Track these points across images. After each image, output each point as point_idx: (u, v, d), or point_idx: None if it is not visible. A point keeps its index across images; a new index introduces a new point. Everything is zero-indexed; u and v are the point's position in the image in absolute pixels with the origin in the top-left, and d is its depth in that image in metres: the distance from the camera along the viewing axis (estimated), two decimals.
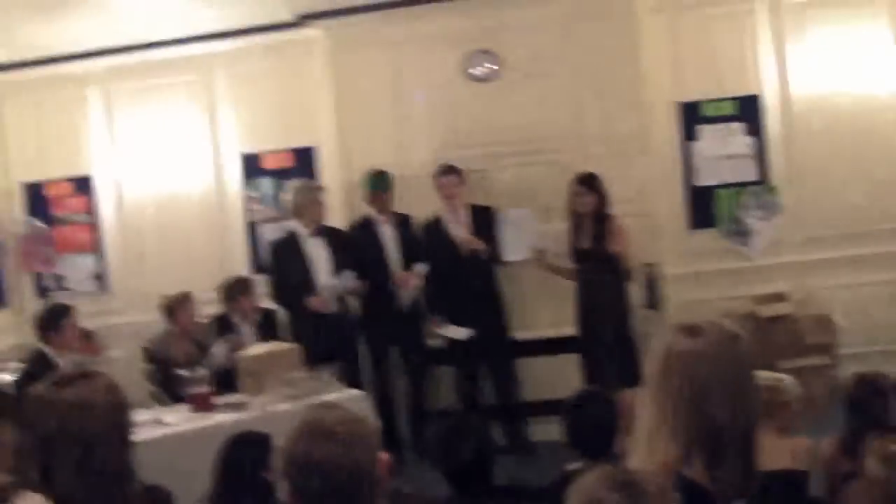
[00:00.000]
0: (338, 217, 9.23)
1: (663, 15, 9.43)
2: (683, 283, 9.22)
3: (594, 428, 4.54)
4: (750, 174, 9.36)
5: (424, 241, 8.94)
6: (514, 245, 8.49)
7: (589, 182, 8.20)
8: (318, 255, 8.56)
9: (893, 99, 9.25)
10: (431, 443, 4.56)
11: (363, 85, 9.39)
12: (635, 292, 8.46)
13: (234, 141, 9.84)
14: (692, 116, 9.39)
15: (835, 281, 9.13)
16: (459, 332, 8.60)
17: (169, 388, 7.82)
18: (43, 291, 9.99)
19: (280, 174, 9.67)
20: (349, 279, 8.42)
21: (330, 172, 9.56)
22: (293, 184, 8.86)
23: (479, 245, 8.62)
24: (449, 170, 8.80)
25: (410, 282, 8.68)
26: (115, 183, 9.96)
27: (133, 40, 9.66)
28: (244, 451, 4.95)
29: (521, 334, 8.95)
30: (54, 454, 2.87)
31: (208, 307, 8.63)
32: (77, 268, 10.02)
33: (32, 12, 9.48)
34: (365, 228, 8.90)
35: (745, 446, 2.76)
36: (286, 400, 6.86)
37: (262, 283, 8.80)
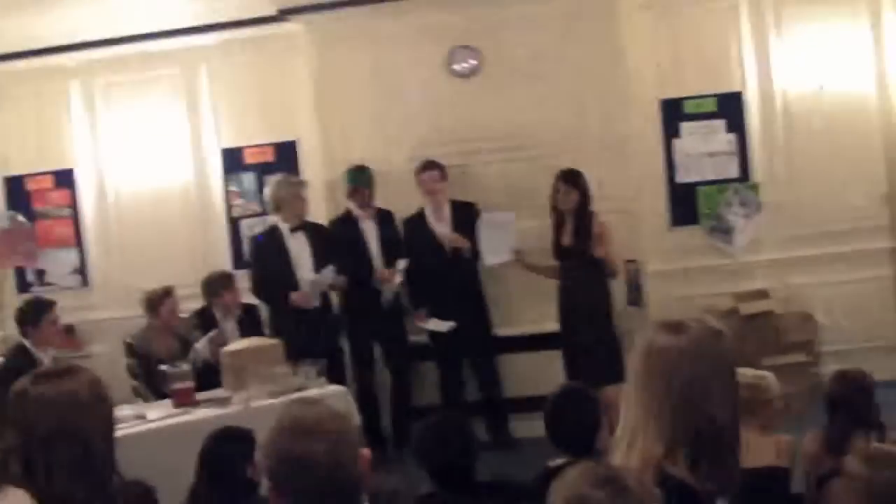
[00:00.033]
0: (320, 212, 9.22)
1: (646, 13, 9.46)
2: (666, 280, 9.24)
3: (576, 424, 4.54)
4: (732, 171, 9.39)
5: (406, 236, 8.94)
6: (494, 249, 8.51)
7: (572, 179, 8.20)
8: (300, 250, 8.55)
9: (874, 95, 9.29)
10: (415, 439, 4.55)
11: (345, 80, 9.37)
12: (618, 289, 8.47)
13: (216, 135, 9.82)
14: (674, 113, 9.42)
15: (816, 278, 9.17)
16: (442, 325, 8.60)
17: (151, 384, 7.80)
18: (25, 286, 9.94)
19: (262, 169, 9.65)
20: (331, 274, 8.40)
21: (312, 167, 9.54)
22: (274, 179, 8.84)
23: (463, 243, 8.63)
24: (431, 165, 8.80)
25: (392, 278, 8.67)
26: (97, 177, 9.93)
27: (115, 33, 9.62)
28: (226, 447, 4.94)
29: (503, 330, 8.95)
30: (37, 449, 2.87)
31: (190, 302, 8.61)
32: (58, 262, 9.98)
33: (14, 4, 9.45)
34: (346, 224, 8.89)
35: (728, 443, 2.77)
36: (269, 396, 6.85)
37: (244, 279, 8.77)
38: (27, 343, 7.58)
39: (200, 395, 7.14)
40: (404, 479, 4.51)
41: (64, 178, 9.94)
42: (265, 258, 8.60)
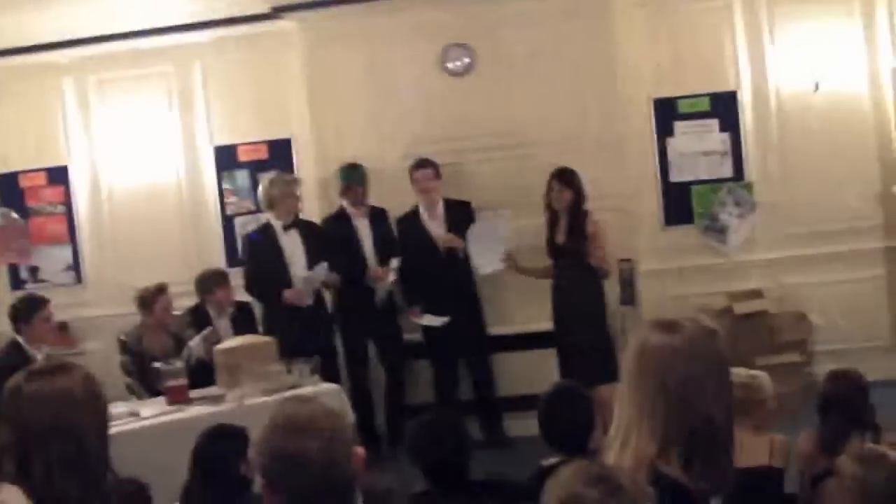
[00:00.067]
0: (313, 210, 9.22)
1: (640, 11, 9.46)
2: (659, 280, 9.25)
3: (570, 423, 4.54)
4: (726, 171, 9.40)
5: (400, 235, 8.95)
6: (485, 258, 8.54)
7: (566, 178, 8.22)
8: (294, 248, 8.54)
9: (867, 95, 9.30)
10: (408, 437, 4.55)
11: (339, 78, 9.36)
12: (611, 288, 8.48)
13: (210, 132, 9.80)
14: (668, 113, 9.42)
15: (810, 278, 9.17)
16: (436, 320, 8.60)
17: (145, 381, 7.79)
18: (18, 283, 9.93)
19: (255, 166, 9.64)
20: (323, 272, 8.40)
21: (305, 165, 9.53)
22: (268, 176, 8.83)
23: (458, 243, 8.63)
24: (424, 164, 8.80)
25: (385, 277, 8.67)
26: (91, 174, 9.91)
27: (109, 30, 9.60)
28: (220, 445, 4.94)
29: (497, 329, 8.96)
30: (31, 447, 2.86)
31: (184, 300, 8.61)
32: (52, 259, 9.96)
33: (8, 1, 9.44)
34: (340, 222, 8.88)
35: (722, 443, 2.77)
36: (262, 393, 6.85)
37: (238, 276, 8.76)
38: (20, 340, 7.58)
39: (194, 393, 7.14)
40: (398, 477, 4.50)
41: (57, 175, 9.92)
42: (258, 256, 8.60)
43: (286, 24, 9.44)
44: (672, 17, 9.45)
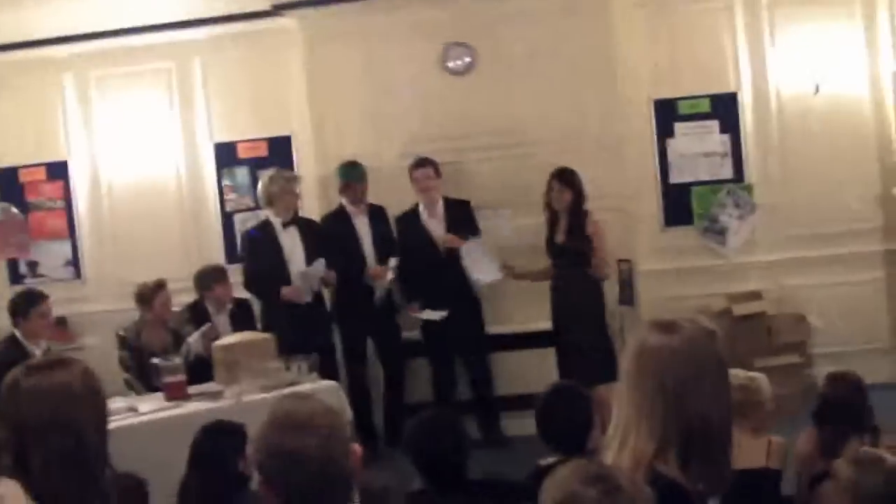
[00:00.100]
0: (313, 208, 9.23)
1: (641, 11, 9.46)
2: (658, 280, 9.25)
3: (568, 423, 4.54)
4: (726, 172, 9.40)
5: (399, 233, 8.95)
6: (482, 271, 8.54)
7: (566, 178, 8.23)
8: (292, 245, 8.54)
9: (868, 98, 9.30)
10: (406, 435, 4.55)
11: (338, 76, 9.37)
12: (610, 288, 8.48)
13: (210, 129, 9.80)
14: (668, 114, 9.42)
15: (810, 280, 9.17)
16: (436, 314, 8.60)
17: (143, 376, 7.79)
18: (17, 278, 9.92)
19: (255, 163, 9.64)
20: (321, 268, 8.39)
21: (305, 163, 9.53)
22: (267, 173, 8.83)
23: (459, 243, 8.63)
24: (424, 163, 8.80)
25: (384, 275, 8.67)
26: (91, 169, 9.90)
27: (109, 26, 9.59)
28: (218, 441, 4.95)
29: (496, 328, 8.96)
30: (29, 441, 2.86)
31: (183, 296, 8.61)
32: (51, 254, 9.95)
33: None
34: (339, 219, 8.88)
35: (720, 443, 2.78)
36: (261, 390, 6.85)
37: (237, 273, 8.76)
38: (18, 335, 7.59)
39: (192, 389, 7.14)
40: (395, 475, 4.51)
41: (57, 171, 9.91)
42: (257, 252, 8.59)
43: (286, 21, 9.44)
44: (672, 17, 9.45)
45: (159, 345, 7.99)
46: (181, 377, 7.11)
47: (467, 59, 9.28)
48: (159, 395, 7.14)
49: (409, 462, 4.45)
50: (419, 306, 8.73)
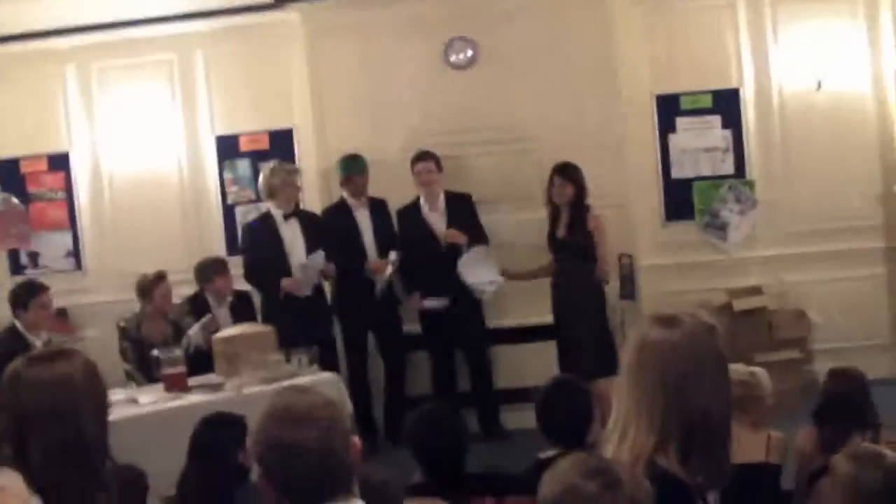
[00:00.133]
0: (314, 201, 9.24)
1: (643, 7, 9.45)
2: (659, 275, 9.26)
3: (568, 416, 4.54)
4: (727, 168, 9.39)
5: (400, 227, 8.95)
6: (483, 281, 8.54)
7: (567, 172, 8.23)
8: (293, 237, 8.54)
9: (870, 95, 9.30)
10: (407, 428, 4.56)
11: (340, 69, 9.36)
12: (611, 283, 8.49)
13: (211, 122, 9.79)
14: (670, 109, 9.41)
15: (810, 276, 9.18)
16: (438, 302, 8.62)
17: (144, 368, 7.80)
18: (18, 269, 9.92)
19: (256, 156, 9.64)
20: (321, 260, 8.38)
21: (306, 156, 9.53)
22: (268, 165, 8.81)
23: (460, 239, 8.63)
24: (426, 156, 8.79)
25: (384, 269, 8.66)
26: (92, 160, 9.89)
27: (112, 18, 9.59)
28: (218, 433, 4.94)
29: (496, 322, 8.95)
30: (30, 432, 2.86)
31: (184, 288, 8.61)
32: (52, 245, 9.95)
33: None
34: (340, 212, 8.88)
35: (719, 438, 2.78)
36: (261, 382, 6.85)
37: (238, 265, 8.76)
38: (19, 326, 7.60)
39: (192, 381, 7.15)
40: (395, 469, 4.51)
41: (58, 162, 9.91)
42: (258, 244, 8.59)
43: (288, 14, 9.44)
44: (675, 13, 9.45)
45: (160, 336, 8.00)
46: (181, 369, 7.11)
47: (469, 54, 9.28)
48: (159, 386, 7.15)
49: (409, 456, 4.45)
50: (420, 296, 8.73)
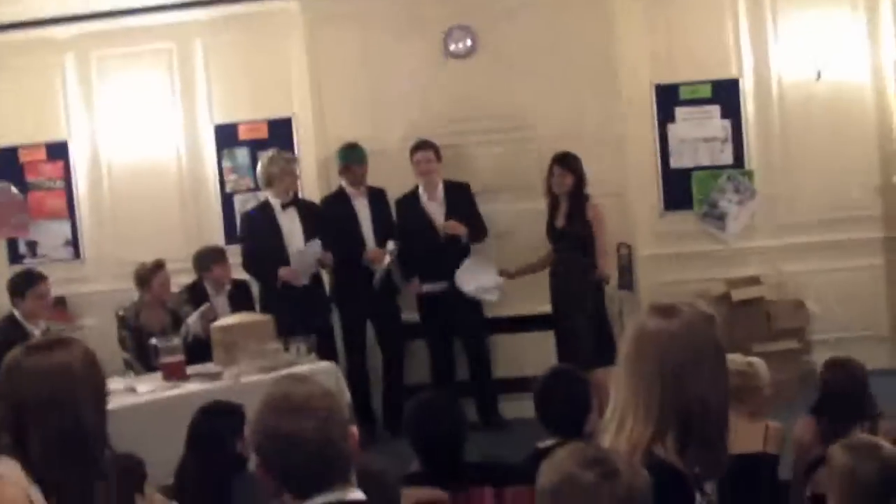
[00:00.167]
0: (313, 190, 9.24)
1: None
2: (658, 265, 9.26)
3: (566, 406, 4.55)
4: (726, 158, 9.38)
5: (399, 216, 8.94)
6: (484, 286, 8.54)
7: (567, 162, 8.23)
8: (291, 226, 8.53)
9: (870, 86, 9.29)
10: (405, 417, 4.56)
11: (339, 58, 9.37)
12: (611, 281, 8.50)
13: (210, 110, 9.78)
14: (669, 99, 9.40)
15: (809, 266, 9.17)
16: (437, 286, 8.62)
17: (142, 356, 7.81)
18: (16, 258, 9.92)
19: (255, 145, 9.62)
20: (318, 248, 8.36)
21: (305, 145, 9.52)
22: (266, 154, 8.80)
23: (460, 231, 8.63)
24: (425, 145, 8.79)
25: (382, 258, 8.66)
26: (91, 149, 9.87)
27: (110, 7, 9.57)
28: (216, 421, 4.95)
29: (494, 311, 8.94)
30: (29, 420, 2.86)
31: (182, 276, 8.61)
32: (50, 234, 9.94)
33: None
34: (338, 202, 8.87)
35: (717, 428, 2.78)
36: (259, 371, 6.85)
37: (236, 254, 8.76)
38: (17, 314, 7.61)
39: (190, 370, 7.15)
40: (394, 458, 4.51)
41: (57, 151, 9.89)
42: (256, 233, 8.58)
43: (288, 3, 9.44)
44: (675, 2, 9.42)
45: (158, 325, 8.00)
46: (180, 357, 7.12)
47: (468, 43, 9.29)
48: (158, 375, 7.16)
49: (407, 445, 4.46)
50: (419, 282, 8.73)
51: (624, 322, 7.97)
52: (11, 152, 9.88)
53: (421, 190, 8.84)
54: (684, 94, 9.37)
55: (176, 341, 7.27)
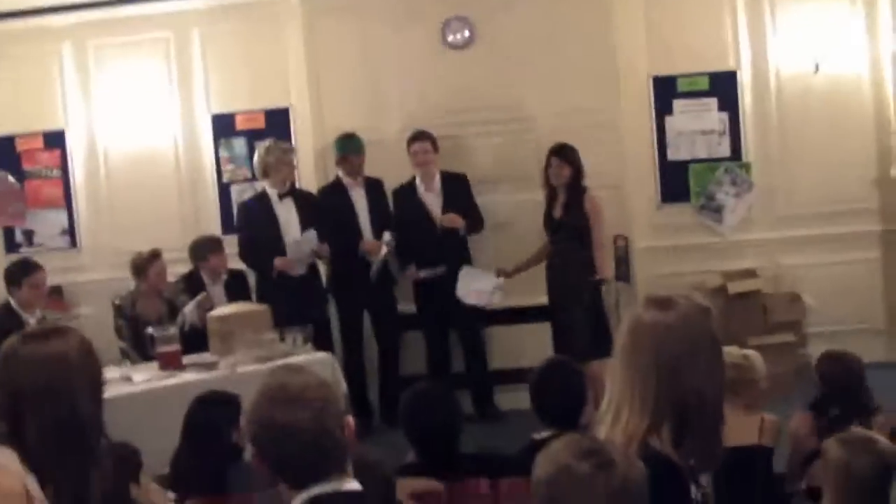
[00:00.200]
0: (310, 180, 9.23)
1: None
2: (654, 257, 9.26)
3: (562, 397, 4.56)
4: (723, 150, 9.37)
5: (395, 207, 8.94)
6: (484, 290, 8.54)
7: (564, 153, 8.22)
8: (288, 216, 8.52)
9: (867, 79, 9.28)
10: (401, 408, 4.57)
11: (337, 48, 9.36)
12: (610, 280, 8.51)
13: (207, 100, 9.76)
14: (667, 91, 9.39)
15: (805, 259, 9.18)
16: (435, 271, 8.62)
17: (138, 346, 7.81)
18: (13, 246, 9.91)
19: (252, 135, 9.61)
20: (313, 238, 8.35)
21: (303, 135, 9.52)
22: (263, 144, 8.79)
23: (458, 224, 8.63)
24: (422, 136, 8.79)
25: (378, 250, 8.65)
26: (88, 138, 9.86)
27: None
28: (212, 411, 4.95)
29: None
30: (25, 409, 2.86)
31: (179, 266, 8.61)
32: (47, 223, 9.93)
33: None
34: (335, 192, 8.86)
35: (712, 420, 2.79)
36: (255, 361, 6.86)
37: (233, 243, 8.75)
38: (13, 303, 7.62)
39: (187, 359, 7.15)
40: (389, 450, 4.52)
41: (54, 139, 9.88)
42: (253, 223, 8.56)
43: None
44: None
45: (154, 315, 8.00)
46: (176, 347, 7.12)
47: (466, 34, 9.29)
48: (154, 364, 7.16)
49: (403, 436, 4.46)
50: (416, 268, 8.73)
51: (620, 314, 7.96)
52: (8, 141, 9.87)
53: (418, 181, 8.83)
54: (682, 86, 9.36)
55: (172, 331, 7.28)
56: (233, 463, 4.75)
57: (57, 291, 9.23)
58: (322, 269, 8.83)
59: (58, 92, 9.84)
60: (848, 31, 9.22)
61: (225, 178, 9.71)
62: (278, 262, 8.36)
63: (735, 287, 8.86)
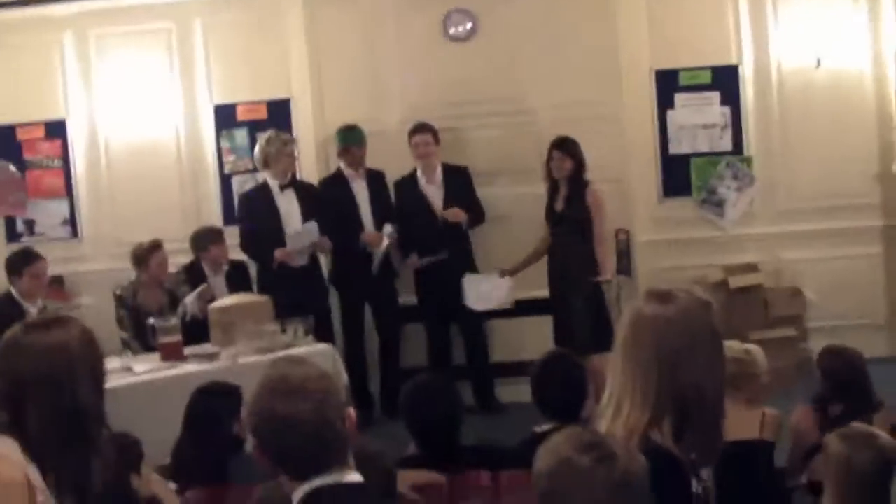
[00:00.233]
0: (311, 172, 9.23)
1: None
2: (656, 251, 9.26)
3: (563, 390, 4.56)
4: (725, 144, 9.37)
5: (397, 198, 8.94)
6: (491, 291, 8.55)
7: (566, 147, 8.21)
8: (290, 208, 8.51)
9: (869, 74, 9.27)
10: (402, 400, 4.57)
11: (339, 39, 9.36)
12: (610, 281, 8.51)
13: (209, 90, 9.75)
14: (669, 84, 9.38)
15: (807, 254, 9.17)
16: (438, 256, 8.62)
17: (140, 336, 7.81)
18: (14, 236, 9.91)
19: (254, 126, 9.60)
20: (314, 230, 8.34)
21: (304, 126, 9.51)
22: (264, 135, 8.78)
23: (461, 218, 8.63)
24: (423, 128, 8.78)
25: (379, 242, 8.65)
26: (89, 128, 9.85)
27: None
28: (213, 402, 4.96)
29: None
30: (26, 399, 2.86)
31: (180, 256, 8.61)
32: (48, 213, 9.92)
33: None
34: (337, 183, 8.86)
35: (713, 414, 2.79)
36: (257, 352, 6.87)
37: (234, 234, 8.75)
38: (14, 293, 7.62)
39: (188, 350, 7.16)
40: (390, 442, 4.52)
41: (55, 129, 9.86)
42: (254, 214, 8.56)
43: None
44: None
45: (155, 305, 8.00)
46: (177, 338, 7.13)
47: (469, 26, 9.28)
48: (155, 355, 7.16)
49: (404, 428, 4.46)
50: (417, 257, 8.73)
51: (621, 308, 7.95)
52: (9, 130, 9.85)
53: (419, 173, 8.83)
54: (684, 79, 9.35)
55: (173, 321, 7.28)
56: (234, 454, 4.76)
57: (58, 281, 9.23)
58: (323, 260, 8.82)
59: (59, 81, 9.83)
60: (850, 25, 9.20)
61: (226, 169, 9.70)
62: (278, 253, 8.35)
63: (736, 281, 8.86)
